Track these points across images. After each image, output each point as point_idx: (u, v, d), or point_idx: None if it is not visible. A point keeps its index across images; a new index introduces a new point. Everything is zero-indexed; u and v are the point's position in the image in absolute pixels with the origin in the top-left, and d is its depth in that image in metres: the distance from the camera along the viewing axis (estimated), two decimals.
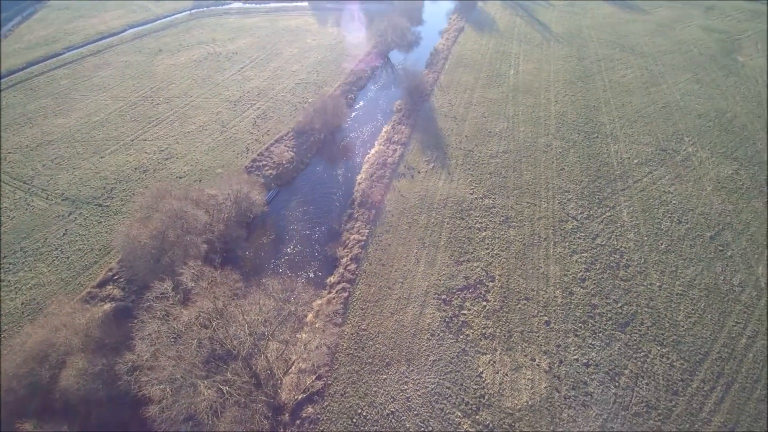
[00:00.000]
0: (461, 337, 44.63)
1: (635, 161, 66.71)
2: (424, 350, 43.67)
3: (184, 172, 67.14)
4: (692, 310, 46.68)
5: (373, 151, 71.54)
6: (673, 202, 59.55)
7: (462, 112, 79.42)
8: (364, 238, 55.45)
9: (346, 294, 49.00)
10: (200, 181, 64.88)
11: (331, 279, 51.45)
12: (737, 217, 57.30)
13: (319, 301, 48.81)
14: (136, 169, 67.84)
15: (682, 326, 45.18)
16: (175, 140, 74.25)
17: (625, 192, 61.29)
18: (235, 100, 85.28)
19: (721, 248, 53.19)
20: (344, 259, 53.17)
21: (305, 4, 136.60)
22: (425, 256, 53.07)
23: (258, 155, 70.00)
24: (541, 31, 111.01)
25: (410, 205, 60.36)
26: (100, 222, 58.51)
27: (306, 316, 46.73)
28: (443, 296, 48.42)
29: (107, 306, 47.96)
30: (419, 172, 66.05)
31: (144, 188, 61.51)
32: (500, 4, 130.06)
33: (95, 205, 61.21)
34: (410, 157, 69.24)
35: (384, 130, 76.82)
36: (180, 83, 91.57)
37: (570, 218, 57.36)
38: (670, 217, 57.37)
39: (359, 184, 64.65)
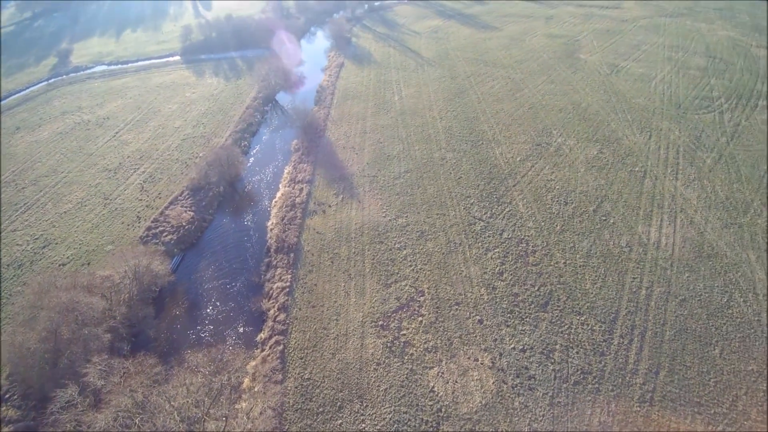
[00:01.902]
0: (406, 357, 44.59)
1: (518, 159, 74.42)
2: (374, 382, 42.72)
3: (68, 257, 58.92)
4: (596, 277, 52.53)
5: (279, 194, 70.08)
6: (557, 187, 67.27)
7: (359, 142, 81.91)
8: (288, 284, 53.37)
9: (280, 347, 46.28)
10: (89, 263, 57.38)
11: (262, 335, 48.32)
12: (610, 188, 66.55)
13: (253, 363, 45.34)
14: (8, 265, 57.84)
15: (591, 293, 50.50)
16: (51, 224, 65.15)
17: (516, 187, 67.76)
18: (114, 167, 77.93)
19: (604, 218, 61.09)
20: (271, 311, 50.45)
21: (177, 58, 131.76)
22: (354, 287, 52.63)
23: (152, 222, 64.28)
24: (414, 57, 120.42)
25: (328, 240, 59.84)
26: None
27: (242, 382, 43.02)
28: (380, 322, 48.19)
29: None
30: (330, 206, 66.09)
31: (22, 285, 52.64)
32: (372, 38, 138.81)
33: None
34: (318, 193, 69.10)
35: (286, 171, 75.93)
36: (46, 160, 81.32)
37: (477, 220, 61.55)
38: (557, 201, 64.59)
39: (271, 229, 62.55)
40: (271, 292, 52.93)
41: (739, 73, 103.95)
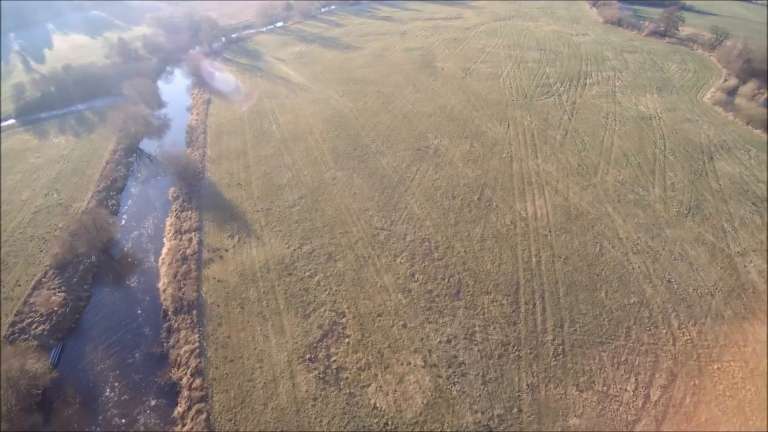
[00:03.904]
0: (342, 383, 43.56)
1: (404, 165, 78.51)
2: (315, 419, 40.84)
3: None
4: (493, 257, 57.56)
5: (165, 249, 63.60)
6: (443, 185, 72.45)
7: (245, 177, 78.57)
8: (197, 344, 48.49)
9: (204, 415, 41.70)
10: None
11: (179, 409, 43.02)
12: (487, 176, 73.76)
13: None
14: None
15: (493, 272, 55.18)
16: None
17: (408, 192, 71.32)
18: None
19: (488, 203, 67.41)
20: (184, 380, 45.27)
21: (11, 122, 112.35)
22: (272, 328, 49.94)
23: (16, 315, 53.48)
24: (284, 84, 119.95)
25: (232, 286, 55.98)
26: None
27: None
28: (307, 356, 46.40)
29: None
30: (227, 250, 62.02)
31: None
32: (236, 69, 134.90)
33: None
34: (210, 239, 64.37)
35: (168, 222, 69.33)
36: None
37: (379, 230, 63.22)
38: (446, 196, 69.54)
39: (164, 290, 56.36)
40: (178, 359, 47.49)
41: (567, 59, 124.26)
